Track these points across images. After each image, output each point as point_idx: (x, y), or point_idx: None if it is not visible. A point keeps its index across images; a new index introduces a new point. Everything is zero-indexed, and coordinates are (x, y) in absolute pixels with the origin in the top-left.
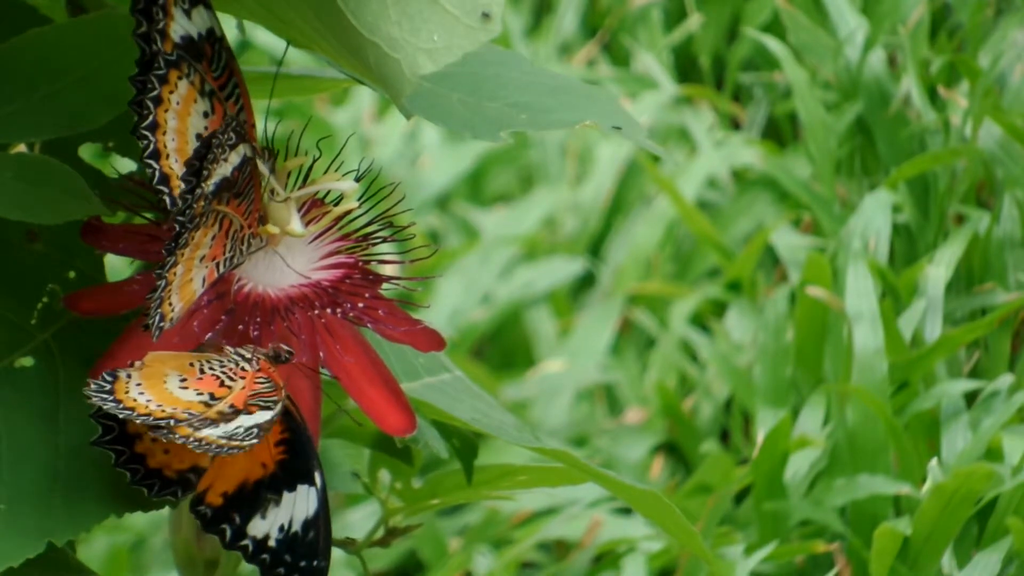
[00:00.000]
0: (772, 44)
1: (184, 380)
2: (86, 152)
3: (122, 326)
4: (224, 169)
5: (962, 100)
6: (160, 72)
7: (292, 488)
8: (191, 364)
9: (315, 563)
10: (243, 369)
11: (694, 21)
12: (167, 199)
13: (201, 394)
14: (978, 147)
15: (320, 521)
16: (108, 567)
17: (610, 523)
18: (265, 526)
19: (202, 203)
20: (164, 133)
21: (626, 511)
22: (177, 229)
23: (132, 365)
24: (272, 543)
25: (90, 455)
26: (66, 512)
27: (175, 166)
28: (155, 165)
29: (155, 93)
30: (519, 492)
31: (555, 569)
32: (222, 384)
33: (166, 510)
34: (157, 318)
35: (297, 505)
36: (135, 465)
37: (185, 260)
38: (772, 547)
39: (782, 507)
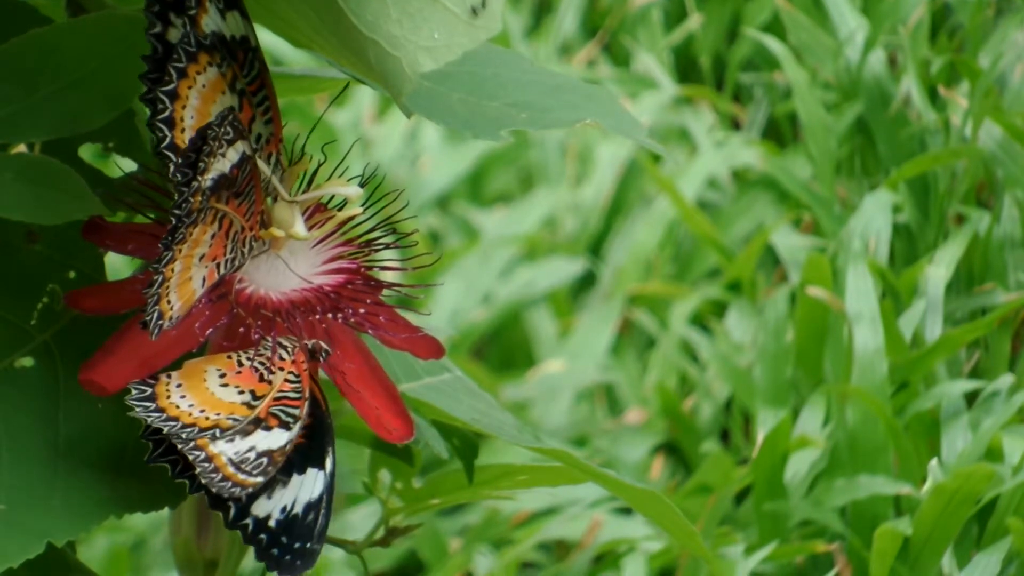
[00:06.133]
0: (772, 44)
1: (223, 375)
2: (86, 152)
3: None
4: (222, 165)
5: (962, 100)
6: (190, 50)
7: (302, 471)
8: (228, 357)
9: (308, 545)
10: (281, 358)
11: (694, 21)
12: (172, 166)
13: (242, 392)
14: (978, 147)
15: (322, 504)
16: (108, 567)
17: (610, 523)
18: (269, 506)
19: (199, 198)
20: (184, 107)
21: (626, 511)
22: (174, 223)
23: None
24: (272, 523)
25: (90, 456)
26: (66, 512)
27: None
28: (167, 131)
29: (180, 66)
30: (519, 492)
31: (555, 569)
32: (262, 378)
33: (166, 511)
34: (155, 315)
35: (303, 487)
36: (191, 472)
37: (183, 257)
38: (772, 547)
39: (782, 507)
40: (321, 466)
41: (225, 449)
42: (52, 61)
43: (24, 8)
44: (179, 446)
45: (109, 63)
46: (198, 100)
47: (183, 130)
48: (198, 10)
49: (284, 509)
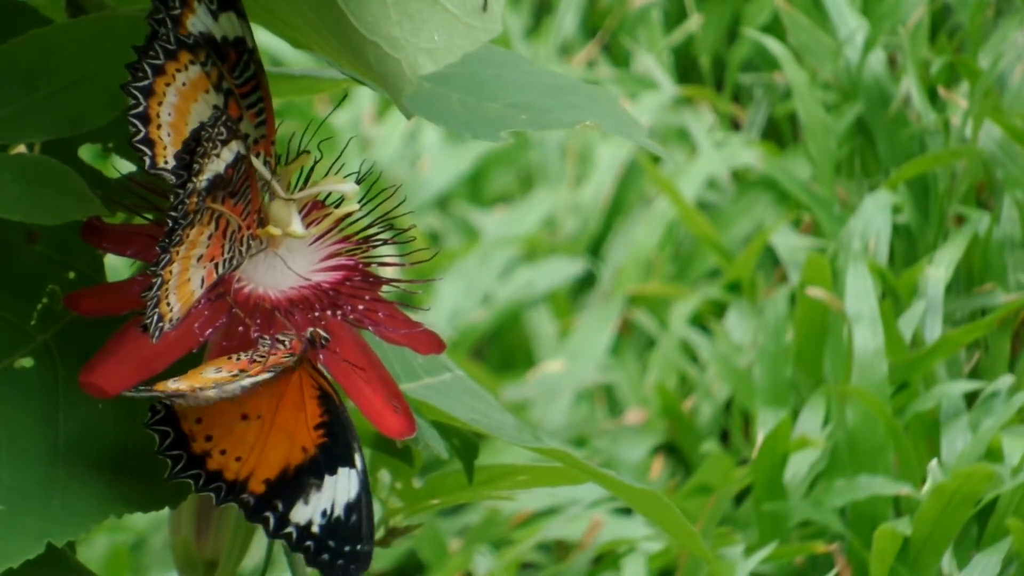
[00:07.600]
0: (772, 45)
1: (219, 370)
2: (86, 153)
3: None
4: (217, 165)
5: (962, 101)
6: (169, 48)
7: (333, 471)
8: (228, 358)
9: (359, 547)
10: (275, 349)
11: (694, 22)
12: (147, 160)
13: (232, 372)
14: (978, 148)
15: (362, 504)
16: (108, 567)
17: (610, 523)
18: (308, 512)
19: (195, 199)
20: (160, 103)
21: (626, 511)
22: (170, 225)
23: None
24: (315, 529)
25: (90, 456)
26: (66, 512)
27: (165, 138)
28: (140, 127)
29: (158, 63)
30: (519, 492)
31: (555, 570)
32: (253, 361)
33: (166, 510)
34: (155, 318)
35: (339, 488)
36: (196, 470)
37: (181, 259)
38: (772, 548)
39: (782, 508)
40: (351, 464)
41: (212, 392)
42: (52, 61)
43: (24, 8)
44: (167, 401)
45: (109, 63)
46: (177, 97)
47: (159, 126)
48: (183, 10)
49: (324, 513)
